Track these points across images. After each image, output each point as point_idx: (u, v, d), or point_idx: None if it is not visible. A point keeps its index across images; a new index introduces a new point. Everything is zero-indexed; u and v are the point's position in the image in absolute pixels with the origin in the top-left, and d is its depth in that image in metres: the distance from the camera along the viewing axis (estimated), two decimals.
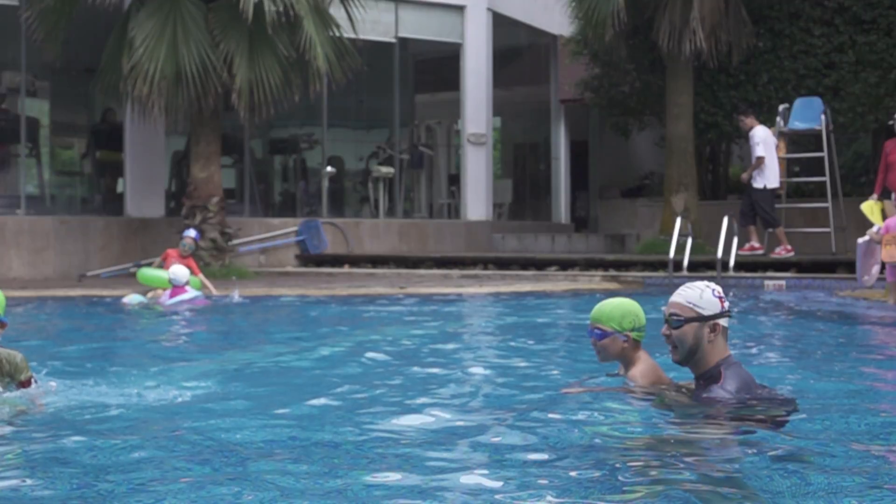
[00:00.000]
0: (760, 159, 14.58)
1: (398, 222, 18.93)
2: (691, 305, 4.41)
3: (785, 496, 3.35)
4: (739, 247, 14.39)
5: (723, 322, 4.43)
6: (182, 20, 14.29)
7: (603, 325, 4.81)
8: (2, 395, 5.00)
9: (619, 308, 4.83)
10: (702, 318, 4.39)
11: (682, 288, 4.51)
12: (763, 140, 14.66)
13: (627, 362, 4.85)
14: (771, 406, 4.42)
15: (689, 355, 4.45)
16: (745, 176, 15.11)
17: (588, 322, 4.93)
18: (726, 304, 4.45)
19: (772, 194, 14.86)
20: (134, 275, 14.55)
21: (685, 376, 4.77)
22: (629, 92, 19.18)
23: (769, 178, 14.67)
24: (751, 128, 14.81)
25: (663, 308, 4.54)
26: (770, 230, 15.07)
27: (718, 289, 4.47)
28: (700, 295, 4.42)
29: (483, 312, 11.28)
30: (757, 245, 14.85)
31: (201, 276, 12.49)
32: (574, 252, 18.08)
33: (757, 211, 14.83)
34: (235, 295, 12.07)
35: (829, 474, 3.57)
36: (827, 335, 8.59)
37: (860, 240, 11.32)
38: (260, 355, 7.34)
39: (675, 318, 4.43)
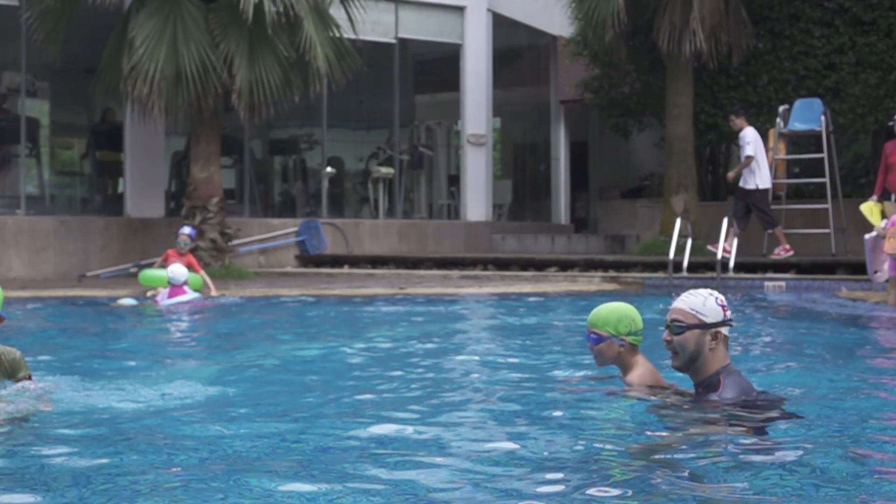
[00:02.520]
0: (750, 158, 14.56)
1: (398, 223, 18.93)
2: (694, 312, 4.42)
3: (781, 500, 3.34)
4: (711, 243, 14.52)
5: (724, 330, 4.44)
6: (182, 20, 14.28)
7: (599, 329, 4.81)
8: (19, 392, 5.02)
9: (615, 312, 4.83)
10: (704, 326, 4.40)
11: (685, 294, 4.53)
12: (754, 140, 14.67)
13: (625, 367, 4.85)
14: (768, 412, 4.42)
15: (689, 362, 4.46)
16: (731, 175, 15.08)
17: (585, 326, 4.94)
18: (728, 313, 4.46)
19: (766, 194, 14.84)
20: (134, 275, 14.58)
21: (683, 382, 4.77)
22: (629, 93, 19.17)
23: (761, 178, 14.67)
24: (741, 128, 14.81)
25: (667, 307, 4.54)
26: (769, 231, 15.05)
27: (721, 297, 4.48)
28: (703, 302, 4.43)
29: (482, 313, 11.28)
30: (724, 249, 14.68)
31: (202, 272, 12.49)
32: (574, 253, 18.08)
33: (754, 213, 14.80)
34: (229, 297, 12.10)
35: (825, 477, 3.56)
36: (826, 337, 8.58)
37: (867, 236, 11.36)
38: (258, 356, 7.33)
39: (676, 324, 4.43)
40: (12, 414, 4.70)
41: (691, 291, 4.53)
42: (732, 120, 15.03)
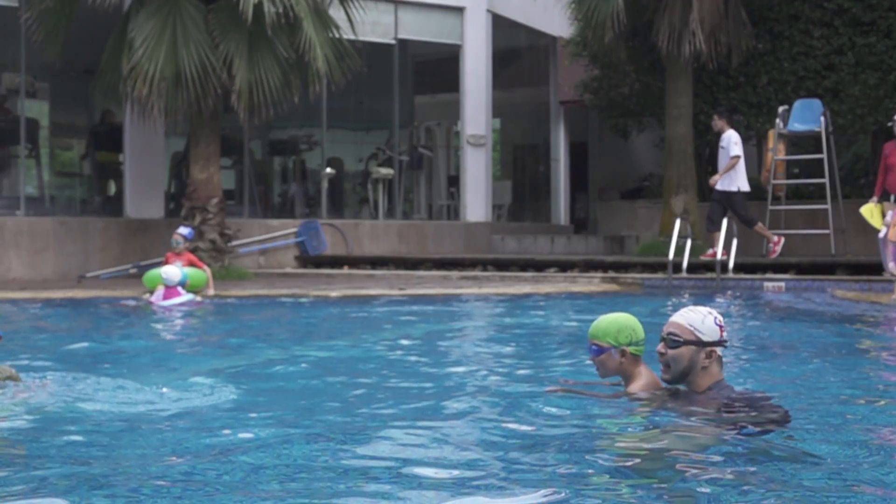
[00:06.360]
0: (737, 157, 14.56)
1: (397, 223, 18.93)
2: (692, 328, 4.43)
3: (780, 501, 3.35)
4: (702, 253, 14.49)
5: (719, 350, 4.45)
6: (182, 21, 14.29)
7: (599, 340, 4.79)
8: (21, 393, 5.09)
9: (615, 323, 4.81)
10: (700, 343, 4.41)
11: (684, 310, 4.54)
12: (738, 142, 14.68)
13: (627, 377, 4.82)
14: (765, 414, 4.42)
15: (680, 376, 4.48)
16: (715, 178, 14.89)
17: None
18: (725, 333, 4.47)
19: (744, 197, 14.83)
20: (133, 276, 14.59)
21: None
22: (629, 93, 19.18)
23: (742, 180, 14.69)
24: (721, 130, 14.79)
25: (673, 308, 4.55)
26: (758, 228, 15.03)
27: (720, 317, 4.50)
28: (702, 320, 4.44)
29: (482, 314, 11.28)
30: (721, 253, 14.66)
31: (206, 268, 12.46)
32: (573, 254, 18.08)
33: (735, 214, 14.75)
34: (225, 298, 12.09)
35: (819, 478, 3.57)
36: (824, 337, 8.58)
37: (880, 234, 11.52)
38: (254, 358, 7.33)
39: (672, 338, 4.44)
40: (11, 414, 4.72)
41: (691, 308, 4.54)
42: (715, 120, 15.01)
